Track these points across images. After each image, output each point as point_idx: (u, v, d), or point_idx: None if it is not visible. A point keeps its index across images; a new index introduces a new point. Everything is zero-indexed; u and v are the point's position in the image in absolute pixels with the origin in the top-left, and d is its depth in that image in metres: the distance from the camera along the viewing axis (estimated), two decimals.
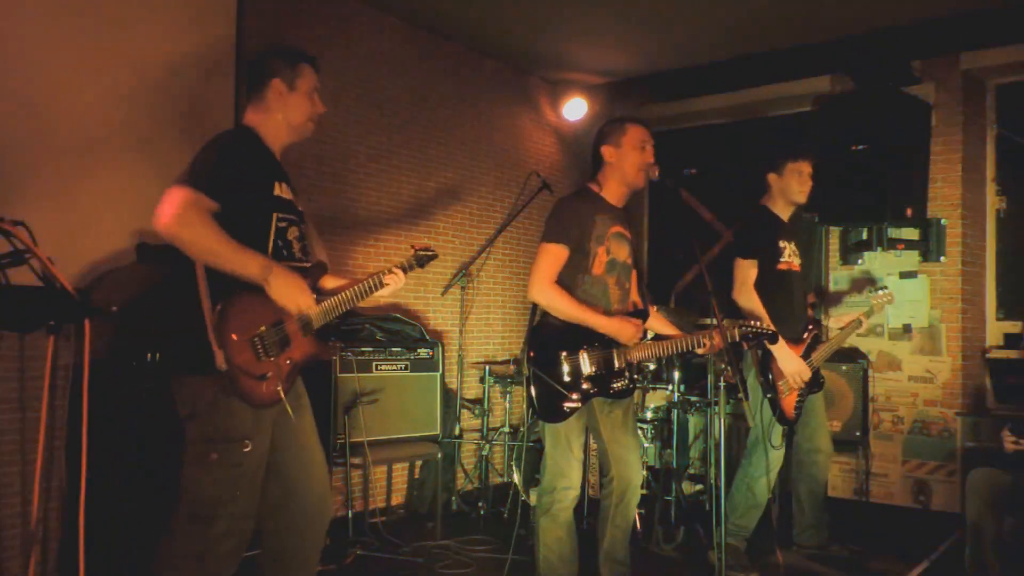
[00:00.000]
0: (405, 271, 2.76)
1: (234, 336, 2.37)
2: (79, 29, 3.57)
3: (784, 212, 4.03)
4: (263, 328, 2.43)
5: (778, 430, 3.81)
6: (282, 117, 2.59)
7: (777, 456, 3.86)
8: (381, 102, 5.14)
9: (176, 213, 2.27)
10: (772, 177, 4.00)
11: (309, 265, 2.63)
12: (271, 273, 2.37)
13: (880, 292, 4.31)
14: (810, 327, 3.93)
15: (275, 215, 2.52)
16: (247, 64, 2.68)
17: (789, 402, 3.80)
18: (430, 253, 2.81)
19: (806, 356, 3.85)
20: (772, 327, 3.24)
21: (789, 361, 3.73)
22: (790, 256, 3.96)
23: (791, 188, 3.95)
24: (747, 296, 3.76)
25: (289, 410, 2.48)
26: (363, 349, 4.53)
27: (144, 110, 3.77)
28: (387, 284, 2.71)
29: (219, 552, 2.39)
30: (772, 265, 3.88)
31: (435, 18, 5.25)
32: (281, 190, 2.57)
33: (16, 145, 3.36)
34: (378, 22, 5.11)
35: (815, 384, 3.93)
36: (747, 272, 3.81)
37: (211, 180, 2.34)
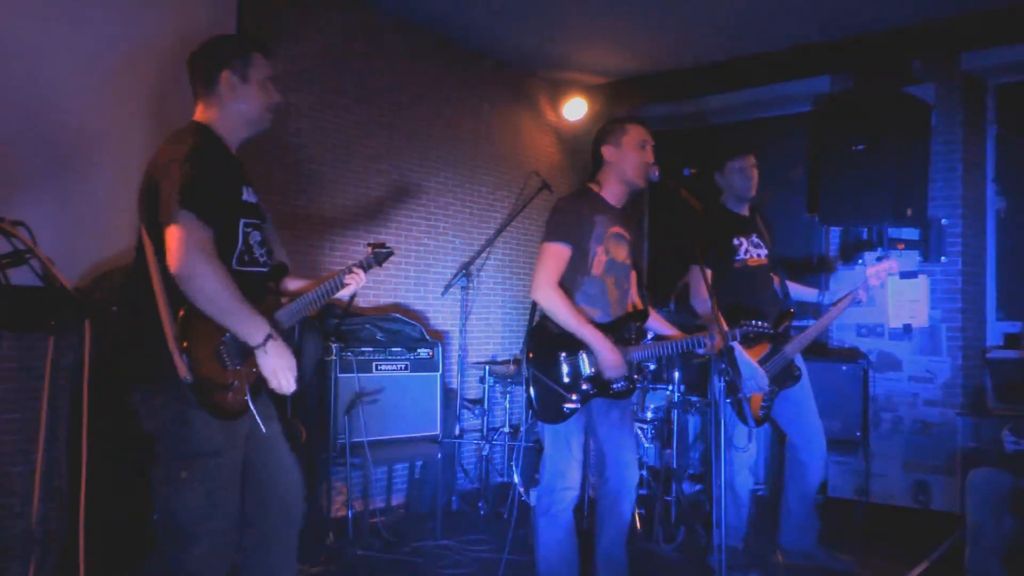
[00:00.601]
0: (365, 269, 2.70)
1: (198, 345, 2.29)
2: (79, 27, 3.57)
3: (738, 208, 4.02)
4: (227, 335, 2.35)
5: (741, 430, 3.77)
6: (237, 111, 2.48)
7: (746, 455, 3.83)
8: (381, 102, 5.14)
9: (190, 260, 2.19)
10: (717, 177, 4.03)
11: (268, 270, 2.56)
12: (271, 345, 2.33)
13: (878, 264, 3.97)
14: (784, 318, 3.79)
15: (242, 222, 2.45)
16: (192, 57, 2.57)
17: (754, 402, 3.72)
18: (386, 250, 2.75)
19: (776, 351, 3.75)
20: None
21: (744, 364, 3.61)
22: (748, 251, 3.91)
23: (736, 185, 3.97)
24: (699, 302, 3.76)
25: (259, 420, 2.40)
26: (363, 349, 4.53)
27: (145, 109, 3.77)
28: (348, 284, 2.65)
29: (206, 571, 2.33)
30: (728, 263, 3.85)
31: (436, 18, 5.25)
32: (247, 194, 2.50)
33: (16, 145, 3.36)
34: (379, 22, 5.12)
35: (788, 378, 3.82)
36: (696, 277, 3.80)
37: (204, 202, 2.26)
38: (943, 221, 5.12)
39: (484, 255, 5.19)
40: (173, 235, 2.22)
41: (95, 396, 2.64)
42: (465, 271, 5.14)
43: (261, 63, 2.53)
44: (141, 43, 3.77)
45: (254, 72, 2.50)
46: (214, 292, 2.23)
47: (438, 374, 4.81)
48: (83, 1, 3.60)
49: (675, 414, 4.75)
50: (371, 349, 4.58)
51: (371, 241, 2.82)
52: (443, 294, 5.32)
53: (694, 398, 4.81)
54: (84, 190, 3.56)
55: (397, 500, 5.13)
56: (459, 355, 5.30)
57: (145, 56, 3.78)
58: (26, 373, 3.24)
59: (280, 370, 2.36)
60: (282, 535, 2.57)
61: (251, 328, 2.30)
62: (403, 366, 4.70)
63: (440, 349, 4.85)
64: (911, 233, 5.16)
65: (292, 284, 2.67)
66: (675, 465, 4.65)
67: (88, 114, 3.61)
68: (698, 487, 4.94)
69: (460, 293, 5.22)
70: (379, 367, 4.59)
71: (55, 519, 3.23)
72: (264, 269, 2.52)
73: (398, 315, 5.01)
